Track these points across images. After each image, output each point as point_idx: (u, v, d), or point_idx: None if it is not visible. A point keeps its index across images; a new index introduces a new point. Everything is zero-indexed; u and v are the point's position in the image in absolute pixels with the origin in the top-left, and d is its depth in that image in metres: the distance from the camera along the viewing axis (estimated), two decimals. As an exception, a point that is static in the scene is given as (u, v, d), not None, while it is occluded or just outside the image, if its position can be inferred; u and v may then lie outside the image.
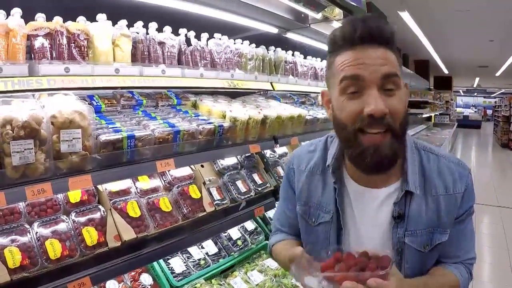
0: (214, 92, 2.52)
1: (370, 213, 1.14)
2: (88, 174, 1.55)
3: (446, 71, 16.63)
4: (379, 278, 0.87)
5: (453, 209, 1.11)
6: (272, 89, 2.49)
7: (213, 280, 2.26)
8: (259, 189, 2.38)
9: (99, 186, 1.90)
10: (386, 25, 1.01)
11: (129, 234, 1.77)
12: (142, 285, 2.14)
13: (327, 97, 1.12)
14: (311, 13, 2.82)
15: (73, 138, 1.52)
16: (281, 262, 1.35)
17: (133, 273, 2.19)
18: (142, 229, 1.83)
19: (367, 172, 1.07)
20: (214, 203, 2.10)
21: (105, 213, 1.80)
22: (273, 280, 2.37)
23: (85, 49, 1.75)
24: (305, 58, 3.25)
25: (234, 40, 2.50)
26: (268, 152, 2.80)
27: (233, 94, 2.61)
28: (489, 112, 32.16)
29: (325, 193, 1.20)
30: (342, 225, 1.17)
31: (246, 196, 2.27)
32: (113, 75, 1.77)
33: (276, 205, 2.53)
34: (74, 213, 1.73)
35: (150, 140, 1.77)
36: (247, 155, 2.53)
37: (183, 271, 2.24)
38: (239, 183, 2.28)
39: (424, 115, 10.83)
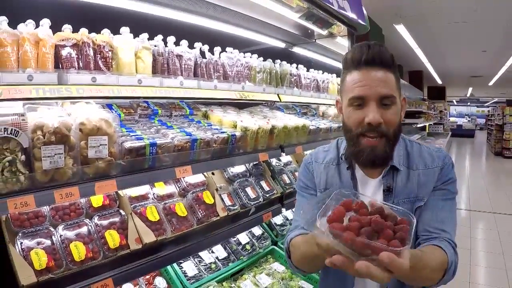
0: (222, 103, 2.64)
1: (371, 193, 1.38)
2: (113, 179, 1.63)
3: (439, 81, 16.86)
4: (393, 252, 0.81)
5: (431, 181, 1.33)
6: (279, 100, 2.62)
7: (224, 283, 2.36)
8: (267, 195, 2.49)
9: (120, 192, 1.98)
10: (386, 50, 1.28)
11: (149, 237, 1.86)
12: (156, 288, 2.24)
13: (340, 105, 1.40)
14: (318, 30, 2.97)
15: (100, 145, 1.61)
16: (302, 251, 1.30)
17: (147, 277, 2.28)
18: (161, 233, 1.93)
19: (363, 166, 1.37)
20: (227, 208, 2.21)
21: (126, 217, 1.88)
22: (280, 283, 2.48)
23: (110, 60, 1.85)
24: (308, 70, 3.39)
25: (244, 53, 2.63)
26: (274, 161, 2.92)
27: (240, 105, 2.72)
28: (481, 121, 32.52)
29: (343, 179, 1.44)
30: None
31: (255, 202, 2.38)
32: (136, 85, 1.88)
33: (283, 211, 2.64)
34: (97, 216, 1.82)
35: (170, 147, 1.87)
36: (255, 163, 2.65)
37: (195, 275, 2.34)
38: (248, 190, 2.40)
39: (419, 125, 11.04)
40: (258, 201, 2.40)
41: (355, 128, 1.28)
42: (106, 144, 1.63)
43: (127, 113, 2.06)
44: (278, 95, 2.64)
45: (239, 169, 2.54)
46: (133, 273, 1.76)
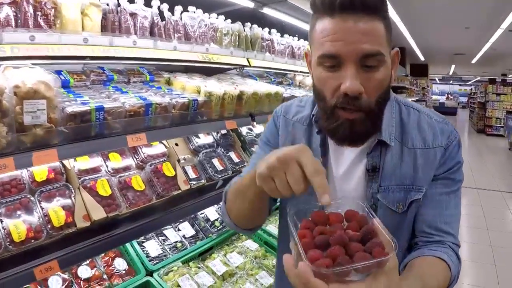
0: (188, 70, 2.43)
1: (346, 168, 1.08)
2: (53, 148, 1.44)
3: (422, 58, 16.78)
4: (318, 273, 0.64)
5: (431, 165, 1.04)
6: (248, 64, 2.40)
7: (190, 263, 2.19)
8: (237, 167, 2.30)
9: (66, 164, 1.79)
10: None
11: (99, 213, 1.68)
12: (116, 270, 2.06)
13: (310, 58, 1.04)
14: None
15: (37, 110, 1.41)
16: (241, 191, 1.03)
17: (106, 258, 2.10)
18: (113, 208, 1.74)
19: (340, 144, 1.02)
20: (190, 181, 2.01)
21: (73, 192, 1.70)
22: (253, 262, 2.31)
23: (53, 18, 1.63)
24: (282, 36, 3.16)
25: (209, 14, 2.40)
26: (245, 131, 2.72)
27: (208, 72, 2.51)
28: (463, 99, 32.79)
29: (311, 146, 1.14)
30: None
31: (223, 174, 2.19)
32: (82, 45, 1.66)
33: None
34: (40, 192, 1.63)
35: (121, 113, 1.67)
36: (223, 133, 2.45)
37: (159, 255, 2.16)
38: (215, 161, 2.20)
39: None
40: (226, 173, 2.20)
41: (329, 96, 0.94)
42: (44, 109, 1.42)
43: (78, 79, 1.84)
44: (247, 59, 2.42)
45: (206, 140, 2.33)
46: (82, 253, 1.56)
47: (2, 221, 1.47)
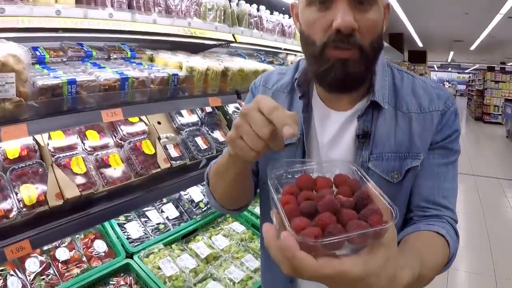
0: (175, 45, 2.33)
1: (333, 134, 0.99)
2: (23, 123, 1.36)
3: (420, 45, 16.62)
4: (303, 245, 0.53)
5: (429, 131, 0.96)
6: (234, 40, 2.29)
7: (173, 246, 2.12)
8: (222, 146, 2.21)
9: (40, 141, 1.72)
10: None
11: (72, 191, 1.60)
12: (95, 252, 1.99)
13: (297, 10, 0.96)
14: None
15: (6, 83, 1.33)
16: (221, 171, 0.96)
17: (85, 240, 2.03)
18: (88, 187, 1.67)
19: (330, 90, 0.93)
20: (171, 160, 1.93)
21: (47, 170, 1.62)
22: (239, 245, 2.24)
23: None
24: (271, 13, 3.04)
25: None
26: (231, 109, 2.63)
27: (194, 50, 2.41)
28: (461, 87, 32.67)
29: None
30: (306, 147, 1.01)
31: (206, 153, 2.10)
32: (54, 17, 1.56)
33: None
34: (12, 169, 1.55)
35: (94, 87, 1.59)
36: (208, 111, 2.36)
37: (140, 237, 2.09)
38: (198, 140, 2.12)
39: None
40: (210, 152, 2.12)
41: (319, 37, 0.86)
42: (13, 83, 1.34)
43: (55, 55, 1.76)
44: (233, 35, 2.31)
45: (190, 118, 2.24)
46: (55, 233, 1.49)
47: (-29, 200, 1.40)
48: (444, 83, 32.12)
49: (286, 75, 1.13)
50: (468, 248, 4.37)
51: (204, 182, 1.11)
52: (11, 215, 1.43)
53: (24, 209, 1.46)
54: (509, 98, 15.10)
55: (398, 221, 0.98)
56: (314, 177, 0.67)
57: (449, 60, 25.91)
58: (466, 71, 31.87)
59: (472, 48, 16.64)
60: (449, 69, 32.57)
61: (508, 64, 21.12)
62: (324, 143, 1.00)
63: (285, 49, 3.13)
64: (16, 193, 1.50)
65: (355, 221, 0.55)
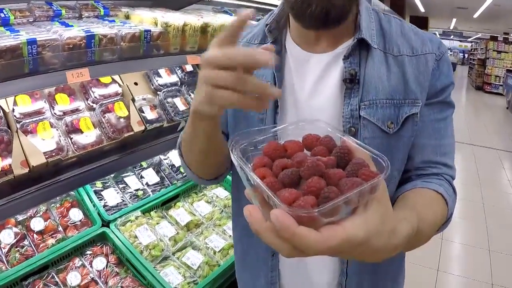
0: (154, 5, 2.17)
1: (312, 80, 0.88)
2: None
3: (422, 10, 16.21)
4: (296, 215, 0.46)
5: (424, 75, 0.86)
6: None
7: (152, 213, 2.03)
8: (203, 109, 2.08)
9: (4, 107, 1.60)
10: None
11: (38, 158, 1.49)
12: (71, 221, 1.91)
13: None
14: None
15: None
16: (190, 140, 0.86)
17: (61, 209, 1.95)
18: (56, 153, 1.55)
19: (310, 25, 0.81)
20: (146, 123, 1.80)
21: (12, 136, 1.51)
22: (222, 211, 2.15)
23: None
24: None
25: None
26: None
27: (177, 6, 2.24)
28: (461, 56, 32.21)
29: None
30: (278, 99, 0.90)
31: (185, 115, 1.97)
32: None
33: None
34: None
35: (57, 46, 1.46)
36: (188, 70, 2.21)
37: (117, 204, 1.99)
38: (177, 101, 1.98)
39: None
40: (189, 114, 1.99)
41: None
42: None
43: (21, 16, 1.63)
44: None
45: (169, 78, 2.09)
46: (21, 203, 1.40)
47: None
48: (448, 50, 31.69)
49: (257, 26, 1.02)
50: (464, 219, 4.32)
51: (177, 153, 1.01)
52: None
53: (-12, 179, 1.36)
54: (511, 69, 14.86)
55: (395, 178, 0.90)
56: (282, 143, 0.59)
57: (451, 28, 25.38)
58: (469, 39, 31.33)
59: (476, 16, 16.22)
60: (451, 36, 32.00)
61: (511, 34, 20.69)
62: (303, 92, 0.89)
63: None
64: (-20, 163, 1.40)
65: (348, 180, 0.49)
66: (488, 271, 3.39)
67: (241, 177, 0.55)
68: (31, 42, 1.39)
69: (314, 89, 0.88)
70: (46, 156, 1.51)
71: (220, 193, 2.26)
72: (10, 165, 1.44)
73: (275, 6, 2.92)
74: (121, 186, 2.06)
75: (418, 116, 0.86)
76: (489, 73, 15.93)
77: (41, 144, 1.54)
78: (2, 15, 1.55)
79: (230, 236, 1.98)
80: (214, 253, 1.87)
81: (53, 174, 1.53)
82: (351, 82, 0.85)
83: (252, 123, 0.94)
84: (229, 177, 2.26)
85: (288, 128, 0.65)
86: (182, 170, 2.24)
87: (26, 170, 1.46)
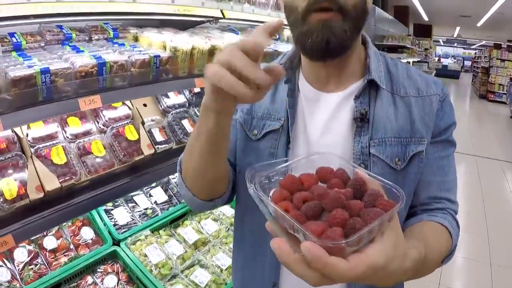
0: (160, 25, 2.23)
1: (324, 118, 0.93)
2: None
3: (426, 18, 16.27)
4: (326, 246, 0.50)
5: (430, 115, 0.92)
6: (222, 16, 2.18)
7: (161, 231, 2.07)
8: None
9: (19, 132, 1.66)
10: None
11: (52, 183, 1.56)
12: (82, 240, 1.97)
13: None
14: None
15: None
16: (191, 145, 0.88)
17: (73, 227, 2.00)
18: (69, 177, 1.61)
19: (313, 54, 0.87)
20: (155, 145, 1.86)
21: (27, 162, 1.57)
22: (228, 229, 2.20)
23: None
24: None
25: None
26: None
27: (182, 26, 2.30)
28: (467, 63, 32.13)
29: (276, 100, 1.00)
30: (291, 135, 0.95)
31: (193, 137, 2.03)
32: (24, 3, 1.46)
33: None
34: None
35: (70, 74, 1.51)
36: (196, 91, 2.27)
37: (127, 223, 2.05)
38: (185, 123, 2.04)
39: (402, 60, 10.48)
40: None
41: (300, 3, 0.83)
42: None
43: (32, 40, 1.68)
44: (222, 11, 2.20)
45: (176, 99, 2.16)
46: (37, 226, 1.46)
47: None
48: (451, 58, 31.66)
49: (273, 62, 1.07)
50: (466, 232, 4.32)
51: (177, 172, 1.02)
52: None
53: (5, 204, 1.42)
54: (515, 77, 14.87)
55: (402, 214, 0.95)
56: (297, 176, 0.63)
57: (455, 35, 25.43)
58: (472, 47, 31.32)
59: (479, 24, 16.28)
60: (455, 44, 32.03)
61: (516, 41, 20.68)
62: (314, 129, 0.94)
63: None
64: (-3, 188, 1.45)
65: (369, 210, 0.53)
66: (489, 285, 3.40)
67: (262, 210, 0.58)
68: (45, 71, 1.44)
69: (325, 127, 0.93)
70: (60, 181, 1.57)
71: (227, 211, 2.31)
72: (25, 189, 1.50)
73: (284, 26, 3.00)
74: (130, 205, 2.12)
75: (423, 154, 0.91)
76: (492, 81, 15.92)
77: (54, 169, 1.60)
78: (14, 39, 1.60)
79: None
80: (221, 271, 1.92)
81: (66, 197, 1.58)
82: (361, 121, 0.90)
83: (262, 156, 0.98)
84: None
85: (300, 162, 0.70)
86: (177, 179, 2.29)
87: (41, 194, 1.53)
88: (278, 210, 0.54)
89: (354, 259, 0.51)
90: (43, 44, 1.71)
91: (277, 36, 3.12)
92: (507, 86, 14.47)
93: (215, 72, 0.61)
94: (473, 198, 5.25)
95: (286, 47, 2.80)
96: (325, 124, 0.93)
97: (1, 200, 1.43)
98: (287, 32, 3.31)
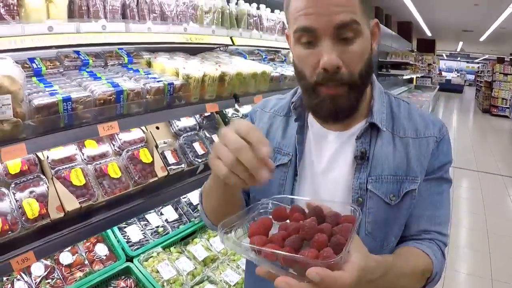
0: (172, 49, 2.35)
1: (329, 155, 1.03)
2: (22, 143, 1.41)
3: (429, 34, 16.43)
4: (325, 265, 0.61)
5: (425, 155, 1.00)
6: (232, 43, 2.30)
7: (172, 248, 2.17)
8: (219, 152, 2.23)
9: (40, 155, 1.77)
10: None
11: (72, 204, 1.66)
12: (97, 256, 2.05)
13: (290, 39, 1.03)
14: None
15: (2, 105, 1.37)
16: (209, 192, 1.02)
17: (87, 244, 2.09)
18: (88, 198, 1.71)
19: (324, 121, 1.02)
20: (168, 167, 1.96)
21: (47, 183, 1.68)
22: (236, 247, 2.28)
23: (15, 8, 1.55)
24: (272, 11, 3.03)
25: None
26: (230, 112, 2.65)
27: (193, 51, 2.43)
28: (470, 77, 32.18)
29: (286, 135, 1.10)
30: (298, 169, 1.05)
31: (204, 159, 2.13)
32: (47, 34, 1.59)
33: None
34: (14, 184, 1.61)
35: (90, 102, 1.62)
36: (206, 115, 2.38)
37: (140, 240, 2.14)
38: (196, 145, 2.15)
39: (405, 77, 10.56)
40: (207, 158, 2.14)
41: (310, 74, 0.92)
42: (9, 104, 1.37)
43: (51, 66, 1.79)
44: (231, 38, 2.32)
45: (187, 122, 2.27)
46: (57, 243, 1.56)
47: (-23, 215, 1.46)
48: (454, 72, 31.71)
49: (284, 99, 1.18)
50: (469, 248, 4.38)
51: (198, 199, 1.15)
52: (15, 229, 1.50)
53: (27, 223, 1.52)
54: (517, 91, 14.91)
55: (392, 243, 1.03)
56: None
57: (458, 50, 25.58)
58: (476, 60, 31.44)
59: (482, 39, 16.40)
60: (458, 58, 32.16)
61: (519, 55, 20.77)
62: (320, 165, 1.03)
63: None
64: (19, 207, 1.55)
65: (339, 227, 0.68)
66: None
67: (251, 259, 0.70)
68: (67, 100, 1.54)
69: (330, 163, 1.02)
70: (80, 201, 1.67)
71: (235, 229, 2.40)
72: (46, 209, 1.60)
73: (284, 48, 3.13)
74: (143, 223, 2.21)
75: (416, 192, 0.99)
76: (496, 95, 15.95)
77: (74, 190, 1.70)
78: (34, 65, 1.71)
79: (244, 270, 2.11)
80: (229, 287, 2.00)
81: (84, 217, 1.68)
82: (361, 159, 0.98)
83: (273, 186, 1.07)
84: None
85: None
86: (199, 208, 2.39)
87: (62, 214, 1.62)
88: (272, 251, 0.64)
89: (347, 267, 0.64)
90: (61, 70, 1.82)
91: (284, 58, 3.23)
92: (510, 100, 14.51)
93: (220, 169, 0.74)
94: (476, 214, 5.30)
95: (292, 70, 2.91)
96: (330, 160, 1.02)
97: (24, 219, 1.53)
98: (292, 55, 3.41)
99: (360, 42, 0.89)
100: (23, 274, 1.84)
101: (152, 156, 1.94)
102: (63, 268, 1.94)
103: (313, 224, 0.67)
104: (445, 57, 32.36)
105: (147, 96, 1.79)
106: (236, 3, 2.59)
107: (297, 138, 1.06)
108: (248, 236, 0.72)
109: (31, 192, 1.62)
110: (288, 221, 0.75)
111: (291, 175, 1.06)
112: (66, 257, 1.99)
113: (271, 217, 0.78)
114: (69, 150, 1.84)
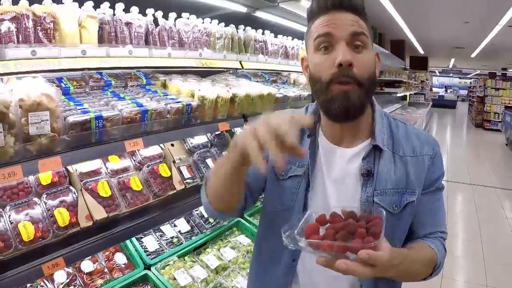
0: (183, 72, 2.53)
1: (338, 170, 1.19)
2: (57, 156, 1.55)
3: (422, 51, 16.78)
4: (370, 248, 0.82)
5: (422, 171, 1.17)
6: (241, 67, 2.50)
7: (186, 257, 2.31)
8: (230, 167, 2.40)
9: (69, 168, 1.92)
10: None
11: (100, 213, 1.81)
12: (116, 264, 2.19)
13: (306, 63, 1.20)
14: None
15: (41, 121, 1.51)
16: (218, 167, 1.13)
17: (107, 253, 2.23)
18: (113, 209, 1.87)
19: (335, 118, 1.12)
20: (184, 181, 2.13)
21: (76, 194, 1.83)
22: (245, 256, 2.44)
23: (52, 32, 1.71)
24: (275, 37, 3.26)
25: (203, 19, 2.50)
26: (238, 131, 2.83)
27: (203, 73, 2.61)
28: (463, 92, 32.69)
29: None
30: (310, 180, 1.20)
31: (217, 174, 2.29)
32: (80, 57, 1.75)
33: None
34: (46, 195, 1.75)
35: (118, 120, 1.79)
36: (217, 133, 2.56)
37: (156, 249, 2.28)
38: (209, 161, 2.32)
39: (399, 94, 10.83)
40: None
41: (325, 75, 1.07)
42: (47, 120, 1.53)
43: (77, 85, 1.96)
44: (240, 62, 2.52)
45: (200, 140, 2.45)
46: (85, 250, 1.69)
47: (12, 222, 1.60)
48: (447, 88, 32.16)
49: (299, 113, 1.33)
50: (464, 258, 4.54)
51: (203, 184, 1.23)
52: (47, 236, 1.63)
53: (58, 231, 1.66)
54: (509, 105, 15.19)
55: (398, 245, 1.20)
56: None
57: (450, 66, 26.05)
58: (468, 76, 31.97)
59: (473, 55, 16.75)
60: (451, 74, 32.68)
61: (510, 70, 21.20)
62: (331, 179, 1.19)
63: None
64: (51, 216, 1.70)
65: (372, 223, 0.89)
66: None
67: (311, 254, 0.89)
68: (98, 117, 1.70)
69: (339, 176, 1.18)
70: (107, 211, 1.82)
71: (243, 240, 2.56)
72: (76, 218, 1.75)
73: (285, 71, 3.35)
74: (158, 234, 2.37)
75: (415, 203, 1.15)
76: (488, 110, 16.28)
77: (101, 201, 1.86)
78: (63, 85, 1.86)
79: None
80: (241, 293, 2.15)
81: (109, 226, 1.83)
82: (367, 176, 1.14)
83: (286, 193, 1.23)
84: (250, 226, 2.55)
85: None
86: (210, 220, 2.55)
87: (90, 223, 1.77)
88: (330, 243, 0.85)
89: (383, 248, 0.84)
90: (87, 90, 1.99)
91: (285, 80, 3.43)
92: (502, 114, 14.80)
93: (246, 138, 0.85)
94: (470, 225, 5.47)
95: (293, 91, 3.11)
96: (339, 174, 1.18)
97: (55, 227, 1.67)
98: (293, 76, 3.62)
99: (367, 54, 1.08)
100: (46, 281, 1.94)
101: (170, 171, 2.11)
102: (84, 275, 2.06)
103: (354, 222, 0.89)
104: (438, 74, 32.88)
105: (167, 116, 1.96)
106: (244, 29, 2.80)
107: (310, 153, 1.21)
108: (304, 236, 0.91)
109: (61, 202, 1.76)
110: (329, 224, 0.96)
111: (304, 185, 1.21)
112: (87, 265, 2.11)
113: (316, 222, 0.97)
114: (95, 164, 2.00)
